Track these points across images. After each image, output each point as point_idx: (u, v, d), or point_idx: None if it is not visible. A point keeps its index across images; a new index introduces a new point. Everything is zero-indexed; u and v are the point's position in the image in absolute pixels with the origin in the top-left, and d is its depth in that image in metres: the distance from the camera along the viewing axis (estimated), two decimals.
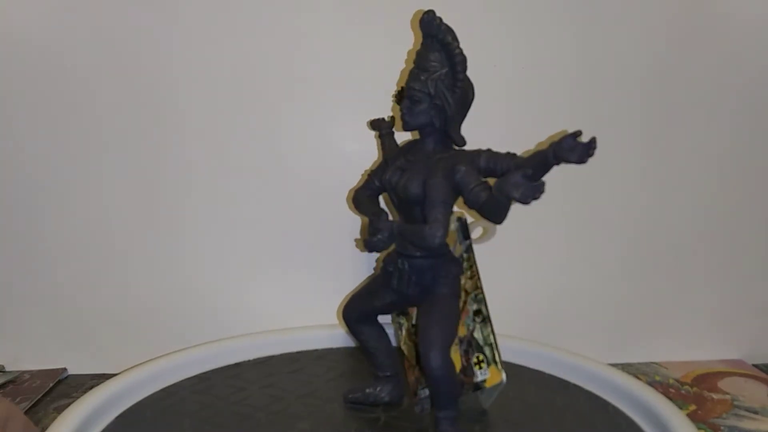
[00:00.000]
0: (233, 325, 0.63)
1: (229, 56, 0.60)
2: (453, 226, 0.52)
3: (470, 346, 0.49)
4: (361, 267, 0.64)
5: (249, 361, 0.59)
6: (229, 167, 0.62)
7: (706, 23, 0.62)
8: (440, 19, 0.43)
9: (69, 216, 0.62)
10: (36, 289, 0.64)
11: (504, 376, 0.46)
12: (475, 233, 0.54)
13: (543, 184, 0.36)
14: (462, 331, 0.50)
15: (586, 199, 0.65)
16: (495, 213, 0.40)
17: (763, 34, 0.63)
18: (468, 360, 0.49)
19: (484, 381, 0.47)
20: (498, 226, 0.49)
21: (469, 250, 0.51)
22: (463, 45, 0.43)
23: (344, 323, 0.51)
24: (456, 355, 0.49)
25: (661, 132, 0.64)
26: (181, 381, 0.54)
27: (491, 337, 0.48)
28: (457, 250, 0.51)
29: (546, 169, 0.36)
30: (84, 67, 0.59)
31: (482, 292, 0.49)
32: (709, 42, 0.63)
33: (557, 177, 0.63)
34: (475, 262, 0.50)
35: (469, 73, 0.43)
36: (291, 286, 0.65)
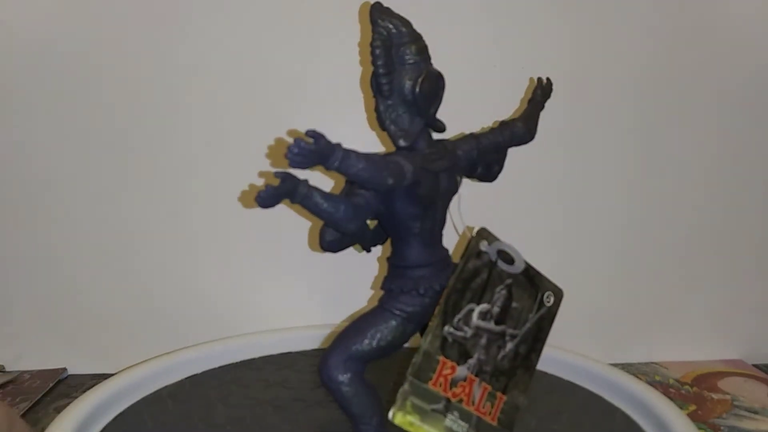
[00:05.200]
0: (233, 325, 0.63)
1: (231, 56, 0.60)
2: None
3: None
4: (361, 267, 0.64)
5: (255, 359, 0.59)
6: (229, 166, 0.62)
7: (703, 22, 0.62)
8: (381, 10, 0.38)
9: (68, 216, 0.62)
10: (36, 289, 0.64)
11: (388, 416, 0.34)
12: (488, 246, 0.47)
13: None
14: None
15: (585, 198, 0.65)
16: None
17: (760, 33, 0.63)
18: None
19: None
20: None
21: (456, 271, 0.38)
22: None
23: None
24: None
25: (659, 131, 0.64)
26: (182, 380, 0.54)
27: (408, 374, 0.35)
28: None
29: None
30: (85, 65, 0.59)
31: (431, 327, 0.36)
32: (708, 39, 0.63)
33: (557, 175, 0.64)
34: (452, 287, 0.37)
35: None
36: (292, 286, 0.65)
